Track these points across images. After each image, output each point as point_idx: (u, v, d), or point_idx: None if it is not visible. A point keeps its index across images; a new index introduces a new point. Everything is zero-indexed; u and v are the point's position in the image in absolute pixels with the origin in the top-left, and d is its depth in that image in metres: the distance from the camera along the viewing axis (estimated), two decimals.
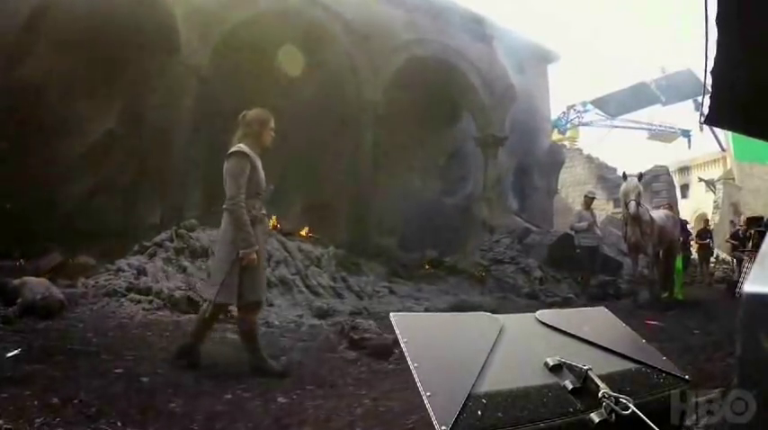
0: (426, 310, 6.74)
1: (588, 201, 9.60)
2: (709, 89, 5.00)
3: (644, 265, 8.51)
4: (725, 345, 4.21)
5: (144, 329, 4.66)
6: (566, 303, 8.10)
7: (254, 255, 3.46)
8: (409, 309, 6.90)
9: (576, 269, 9.93)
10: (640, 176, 7.98)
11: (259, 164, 3.62)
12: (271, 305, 6.13)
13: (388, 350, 4.18)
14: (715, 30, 4.15)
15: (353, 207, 11.42)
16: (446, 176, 15.55)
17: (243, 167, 3.51)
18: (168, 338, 4.41)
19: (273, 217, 9.06)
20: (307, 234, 9.66)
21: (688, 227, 14.08)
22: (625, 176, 8.06)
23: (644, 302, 7.77)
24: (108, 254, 6.85)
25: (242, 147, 3.55)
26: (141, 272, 6.18)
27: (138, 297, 5.53)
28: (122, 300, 5.47)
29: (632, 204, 7.57)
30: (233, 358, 3.79)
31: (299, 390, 3.12)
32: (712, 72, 4.56)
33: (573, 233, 9.77)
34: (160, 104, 9.81)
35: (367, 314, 6.54)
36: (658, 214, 8.65)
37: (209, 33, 9.63)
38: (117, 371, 3.28)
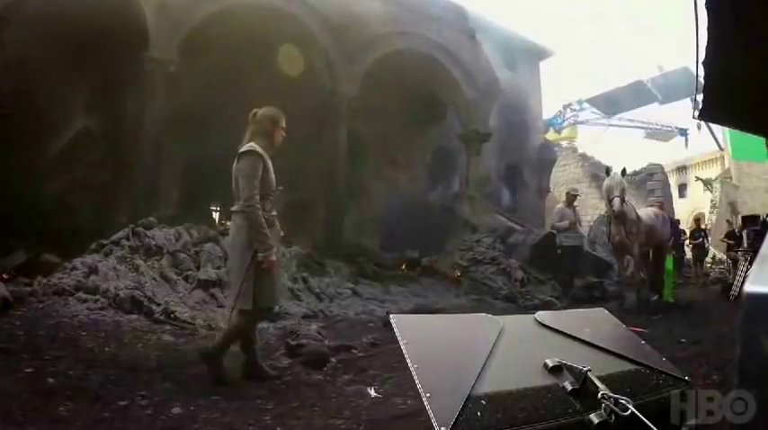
0: (387, 313, 6.67)
1: (571, 198, 9.14)
2: (702, 81, 5.02)
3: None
4: (711, 358, 4.06)
5: (80, 329, 4.66)
6: (545, 307, 7.74)
7: (274, 258, 3.44)
8: (371, 313, 6.81)
9: (559, 270, 9.63)
10: (624, 172, 7.67)
11: (270, 164, 3.58)
12: (221, 306, 6.15)
13: (323, 358, 4.08)
14: (705, 16, 4.18)
15: (328, 205, 11.41)
16: (433, 174, 15.60)
17: (256, 167, 3.47)
18: (102, 339, 4.43)
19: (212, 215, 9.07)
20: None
21: (681, 226, 14.09)
22: (608, 172, 7.79)
23: (630, 306, 7.56)
24: (76, 252, 6.82)
25: (255, 146, 3.51)
26: (93, 270, 6.18)
27: (85, 296, 5.56)
28: (70, 298, 5.49)
29: (616, 201, 7.22)
30: (155, 362, 3.82)
31: (203, 400, 3.03)
32: (704, 63, 4.58)
33: (555, 232, 9.44)
34: (131, 101, 9.83)
35: (323, 317, 6.47)
36: (646, 212, 8.42)
37: (178, 28, 9.67)
38: (27, 370, 3.28)
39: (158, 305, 5.58)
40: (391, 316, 1.32)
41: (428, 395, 1.13)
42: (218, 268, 6.95)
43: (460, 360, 1.25)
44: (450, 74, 13.29)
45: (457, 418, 1.09)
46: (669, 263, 8.87)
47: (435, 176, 15.63)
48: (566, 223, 8.72)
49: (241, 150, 3.50)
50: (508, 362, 1.28)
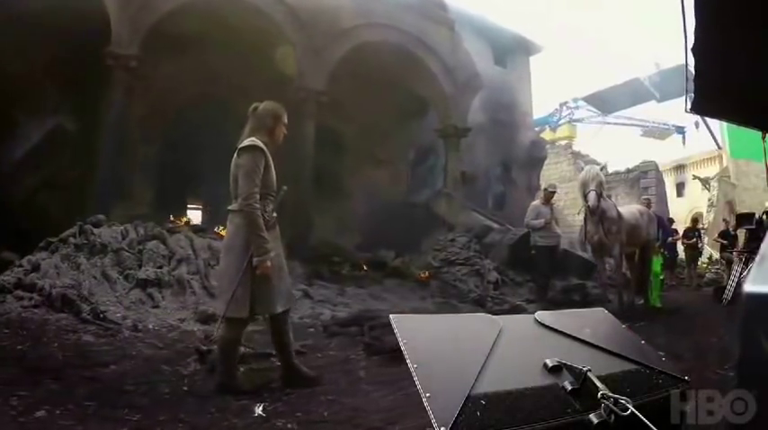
0: (333, 317, 6.69)
1: (549, 195, 8.69)
2: (693, 71, 4.98)
3: (625, 268, 8.19)
4: (692, 375, 3.78)
5: (5, 327, 4.83)
6: (514, 311, 7.58)
7: (269, 263, 3.38)
8: (316, 317, 6.76)
9: (536, 271, 9.33)
10: (603, 167, 7.57)
11: (271, 161, 3.54)
12: (156, 307, 6.30)
13: None
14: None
15: (294, 204, 11.46)
16: (416, 172, 15.68)
17: (258, 164, 3.42)
18: (22, 337, 4.59)
19: (187, 213, 9.18)
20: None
21: (675, 225, 14.11)
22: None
23: (612, 311, 7.13)
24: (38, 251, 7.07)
25: (256, 141, 3.46)
26: (35, 268, 6.39)
27: (22, 293, 5.75)
28: (8, 296, 5.69)
29: (592, 195, 6.90)
30: (61, 362, 3.89)
31: (74, 406, 3.04)
32: (693, 50, 4.55)
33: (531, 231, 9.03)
34: (100, 99, 9.91)
35: (262, 319, 6.45)
36: (629, 210, 8.19)
37: (140, 23, 9.82)
38: None
39: (91, 304, 5.68)
40: (391, 315, 1.36)
41: (428, 395, 1.17)
42: (160, 267, 7.07)
43: (460, 360, 1.30)
44: (427, 67, 13.43)
45: (456, 418, 1.14)
46: (656, 264, 8.74)
47: (418, 174, 15.70)
48: (540, 222, 8.35)
49: (242, 145, 3.45)
50: (508, 362, 1.33)
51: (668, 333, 5.99)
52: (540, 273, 8.85)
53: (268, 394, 3.42)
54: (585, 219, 7.48)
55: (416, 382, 1.19)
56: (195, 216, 13.45)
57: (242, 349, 4.22)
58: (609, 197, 7.88)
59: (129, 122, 10.43)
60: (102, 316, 5.44)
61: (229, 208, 3.54)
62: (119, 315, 5.70)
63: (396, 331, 1.29)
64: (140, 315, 5.87)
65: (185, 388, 3.58)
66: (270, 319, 3.63)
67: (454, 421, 1.12)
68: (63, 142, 10.43)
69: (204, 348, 4.14)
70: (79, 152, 10.26)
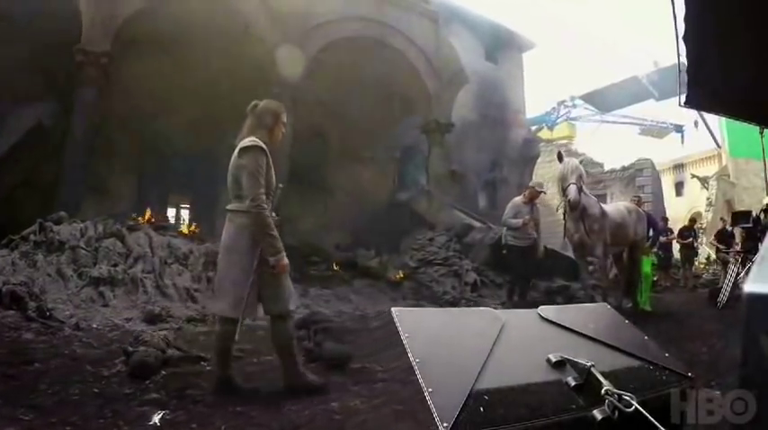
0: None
1: (534, 194, 8.00)
2: (685, 62, 4.88)
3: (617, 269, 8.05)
4: None
5: None
6: None
7: (286, 261, 3.46)
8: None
9: (512, 272, 8.79)
10: (582, 160, 7.36)
11: (271, 160, 3.55)
12: (106, 306, 6.35)
13: (147, 370, 3.83)
14: None
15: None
16: (404, 170, 15.64)
17: (261, 163, 3.43)
18: None
19: (148, 210, 9.24)
20: (191, 231, 9.51)
21: (670, 223, 14.08)
22: (561, 157, 7.13)
23: None
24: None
25: (258, 141, 3.46)
26: None
27: None
28: None
29: (572, 188, 6.53)
30: None
31: None
32: (684, 38, 4.48)
33: (503, 230, 8.49)
34: (75, 96, 10.04)
35: (211, 321, 6.19)
36: (616, 207, 7.93)
37: (112, 19, 9.86)
38: None
39: (39, 302, 5.72)
40: (393, 309, 1.37)
41: (430, 390, 1.19)
42: (115, 265, 7.12)
43: (463, 355, 1.33)
44: (409, 60, 13.41)
45: (459, 414, 1.16)
46: (647, 264, 8.52)
47: (406, 172, 15.69)
48: (518, 221, 7.78)
49: (243, 145, 3.45)
50: (511, 357, 1.35)
51: (657, 340, 5.59)
52: (515, 274, 8.38)
53: (179, 401, 3.35)
54: (565, 215, 7.16)
55: (418, 377, 1.21)
56: (186, 215, 13.55)
57: (171, 351, 4.25)
58: (603, 195, 7.74)
59: (109, 121, 10.51)
60: (48, 314, 5.48)
61: (228, 207, 3.54)
62: (66, 313, 5.73)
63: (397, 325, 1.32)
64: (88, 313, 5.91)
65: (96, 390, 3.51)
66: (271, 322, 3.65)
67: (456, 417, 1.14)
68: (42, 140, 10.58)
69: (131, 349, 4.09)
70: (57, 149, 10.31)
